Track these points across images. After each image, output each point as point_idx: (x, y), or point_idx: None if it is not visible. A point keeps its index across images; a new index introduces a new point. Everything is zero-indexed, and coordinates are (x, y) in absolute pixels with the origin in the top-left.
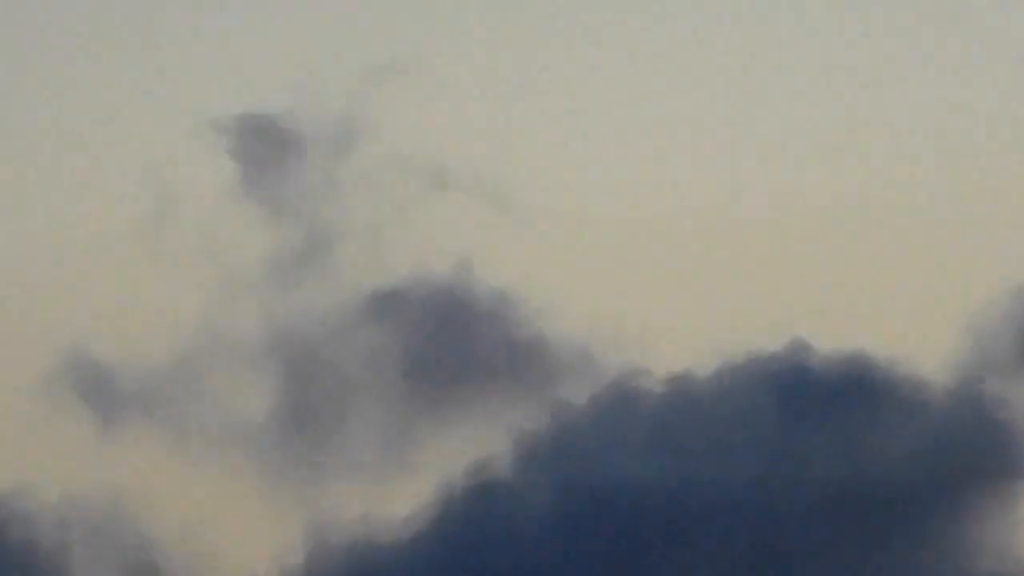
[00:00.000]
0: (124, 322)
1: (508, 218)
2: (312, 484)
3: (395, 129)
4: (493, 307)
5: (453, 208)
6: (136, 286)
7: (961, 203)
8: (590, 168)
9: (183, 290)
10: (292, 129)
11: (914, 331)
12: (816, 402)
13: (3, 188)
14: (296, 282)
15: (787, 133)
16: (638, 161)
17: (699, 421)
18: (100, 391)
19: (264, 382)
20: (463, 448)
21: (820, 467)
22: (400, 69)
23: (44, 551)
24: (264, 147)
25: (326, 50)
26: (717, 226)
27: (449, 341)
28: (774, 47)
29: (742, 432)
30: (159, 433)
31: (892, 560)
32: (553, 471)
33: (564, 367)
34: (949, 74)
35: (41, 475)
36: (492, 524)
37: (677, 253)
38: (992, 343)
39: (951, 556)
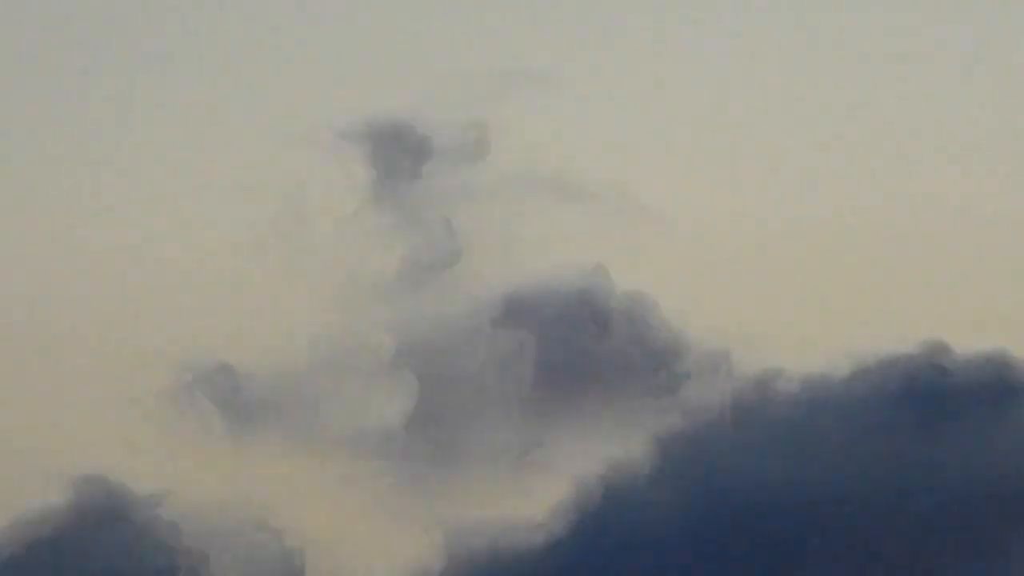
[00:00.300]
0: (256, 330)
1: (639, 226)
2: (445, 488)
3: (527, 137)
4: (626, 311)
5: (584, 216)
6: (268, 293)
7: None
8: (721, 176)
9: (315, 297)
10: (424, 136)
11: None
12: (954, 404)
13: (140, 198)
14: (428, 288)
15: (925, 137)
16: (770, 168)
17: (834, 423)
18: (233, 398)
19: (396, 388)
20: (598, 451)
21: (957, 470)
22: (534, 77)
23: (186, 557)
24: (396, 154)
25: (459, 58)
26: (853, 229)
27: (581, 345)
28: (913, 53)
29: (877, 434)
30: (290, 440)
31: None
32: (690, 472)
33: (698, 370)
34: None
35: (175, 481)
36: (629, 526)
37: (811, 257)
38: None
39: None
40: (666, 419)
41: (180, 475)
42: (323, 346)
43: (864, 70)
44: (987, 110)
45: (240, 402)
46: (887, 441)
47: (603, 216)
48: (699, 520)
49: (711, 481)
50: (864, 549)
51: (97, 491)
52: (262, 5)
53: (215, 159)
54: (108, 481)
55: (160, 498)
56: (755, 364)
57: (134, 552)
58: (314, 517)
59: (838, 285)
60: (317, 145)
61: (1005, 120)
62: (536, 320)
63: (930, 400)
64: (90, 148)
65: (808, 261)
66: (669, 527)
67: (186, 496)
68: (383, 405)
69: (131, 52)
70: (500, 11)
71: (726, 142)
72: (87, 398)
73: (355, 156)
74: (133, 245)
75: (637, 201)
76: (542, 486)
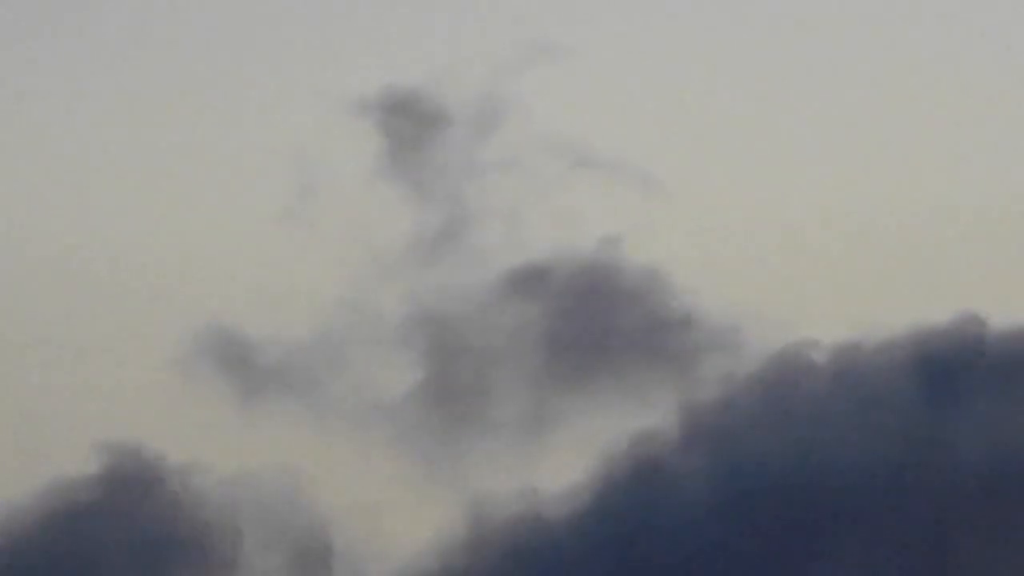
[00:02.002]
0: (268, 299)
1: (653, 198)
2: (458, 460)
3: (541, 108)
4: (640, 283)
5: (597, 188)
6: (280, 263)
7: None
8: (739, 148)
9: (326, 267)
10: (437, 106)
11: None
12: (988, 378)
13: (155, 168)
14: (439, 259)
15: (955, 103)
16: (793, 140)
17: (864, 395)
18: (242, 366)
19: (406, 359)
20: (621, 423)
21: (987, 445)
22: (547, 48)
23: (214, 528)
24: (409, 124)
25: (472, 28)
26: (885, 203)
27: (594, 316)
28: (937, 40)
29: (906, 407)
30: (304, 411)
31: None
32: (717, 444)
33: (714, 343)
34: None
35: (199, 451)
36: (655, 496)
37: (839, 234)
38: None
39: None
40: (690, 391)
41: (202, 445)
42: (334, 315)
43: (889, 37)
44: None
45: (254, 372)
46: (916, 414)
47: (615, 190)
48: (726, 491)
49: (738, 452)
50: (893, 523)
51: (127, 459)
52: None
53: (229, 127)
54: (137, 449)
55: (190, 468)
56: (783, 336)
57: (165, 521)
58: (337, 488)
59: (867, 261)
60: (331, 114)
61: None
62: (548, 292)
63: (964, 374)
64: (105, 114)
65: (836, 238)
66: (695, 497)
67: (213, 466)
68: (392, 376)
69: (147, 14)
70: None
71: (745, 115)
72: (104, 366)
73: (368, 126)
74: (148, 214)
75: (651, 175)
76: (565, 457)
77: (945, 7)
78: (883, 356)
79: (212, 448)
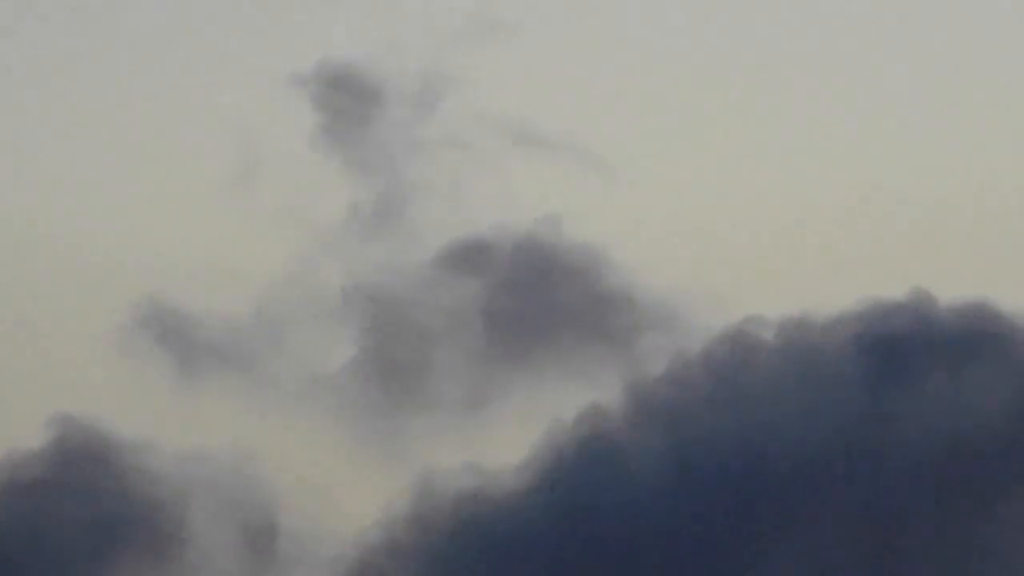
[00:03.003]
0: (207, 274)
1: (594, 176)
2: (398, 436)
3: (481, 84)
4: (580, 260)
5: (538, 165)
6: (219, 238)
7: None
8: (678, 126)
9: (266, 242)
10: (376, 81)
11: None
12: (939, 354)
13: (92, 142)
14: (379, 234)
15: (901, 83)
16: (737, 121)
17: (812, 370)
18: (181, 341)
19: (346, 334)
20: (568, 399)
21: (936, 420)
22: (490, 24)
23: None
24: (348, 99)
25: (414, 2)
26: (830, 182)
27: (534, 293)
28: (877, 18)
29: (855, 382)
30: (239, 384)
31: (1001, 527)
32: (664, 421)
33: (653, 321)
34: None
35: (127, 424)
36: (603, 472)
37: (784, 214)
38: None
39: None
40: (632, 368)
41: (142, 421)
42: (272, 290)
43: (825, 14)
44: (959, 70)
45: (194, 347)
46: (865, 389)
47: (559, 166)
48: (673, 468)
49: (685, 429)
50: (842, 500)
51: (76, 434)
52: None
53: (167, 102)
54: (87, 424)
55: (140, 444)
56: (731, 313)
57: (113, 497)
58: (284, 465)
59: (814, 239)
60: (270, 89)
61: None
62: (488, 268)
63: (913, 349)
64: (42, 90)
65: (781, 218)
66: (642, 474)
67: (154, 441)
68: (331, 351)
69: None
70: None
71: (687, 93)
72: (44, 341)
73: (308, 100)
74: (82, 190)
75: (591, 153)
76: (509, 433)
77: None
78: (831, 333)
79: (152, 423)
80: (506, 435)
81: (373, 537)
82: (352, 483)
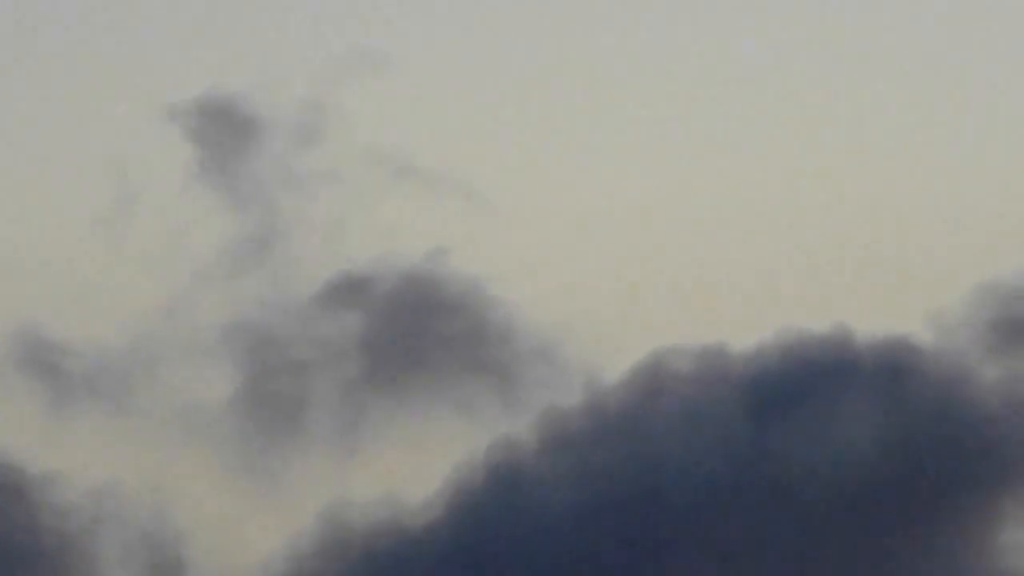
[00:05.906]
0: (81, 306)
1: (475, 209)
2: (274, 470)
3: (362, 118)
4: (462, 295)
5: (419, 199)
6: (94, 270)
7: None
8: (563, 158)
9: (141, 274)
10: (255, 114)
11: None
12: (857, 385)
13: None
14: (256, 268)
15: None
16: (623, 151)
17: (730, 400)
18: (52, 372)
19: (223, 369)
20: (481, 430)
21: (854, 453)
22: (368, 58)
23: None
24: (226, 132)
25: (292, 36)
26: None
27: (414, 327)
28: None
29: (773, 413)
30: (111, 417)
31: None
32: (575, 452)
33: (542, 352)
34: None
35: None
36: (513, 507)
37: (684, 244)
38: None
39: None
40: (512, 400)
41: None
42: (148, 323)
43: (716, 28)
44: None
45: (65, 378)
46: (785, 419)
47: (437, 201)
48: (588, 498)
49: (600, 460)
50: (758, 528)
51: None
52: None
53: (44, 131)
54: None
55: (52, 478)
56: (639, 344)
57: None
58: (191, 500)
59: (712, 272)
60: (147, 120)
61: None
62: (368, 303)
63: (832, 380)
64: None
65: (680, 248)
66: (555, 507)
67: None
68: (207, 385)
69: None
70: None
71: (570, 124)
72: None
73: (184, 133)
74: None
75: (473, 187)
76: (383, 467)
77: None
78: (747, 365)
79: (23, 452)
80: (419, 466)
81: (277, 569)
82: (254, 517)
